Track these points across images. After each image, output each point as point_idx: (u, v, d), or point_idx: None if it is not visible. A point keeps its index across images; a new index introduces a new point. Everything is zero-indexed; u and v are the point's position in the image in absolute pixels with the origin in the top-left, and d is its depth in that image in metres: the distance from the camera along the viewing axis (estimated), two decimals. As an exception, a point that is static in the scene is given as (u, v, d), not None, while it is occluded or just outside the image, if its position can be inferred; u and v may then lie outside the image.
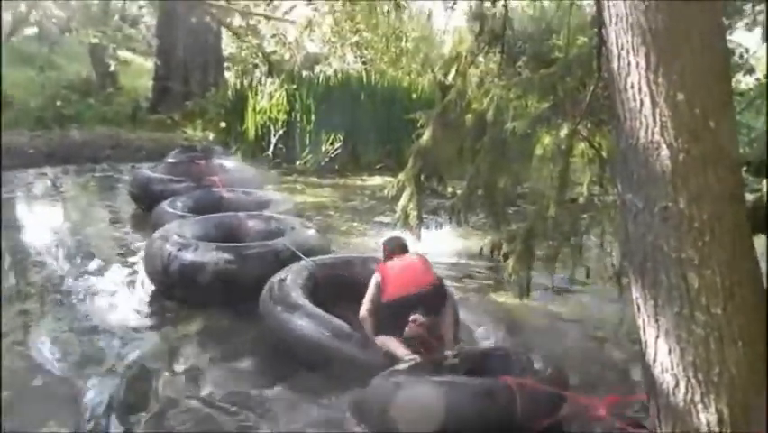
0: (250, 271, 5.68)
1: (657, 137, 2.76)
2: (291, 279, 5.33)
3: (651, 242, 2.83)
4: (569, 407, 4.01)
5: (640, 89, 2.79)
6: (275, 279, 5.34)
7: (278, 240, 6.29)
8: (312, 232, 6.89)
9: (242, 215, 7.34)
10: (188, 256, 5.91)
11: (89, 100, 17.21)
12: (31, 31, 19.91)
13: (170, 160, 10.83)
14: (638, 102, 2.80)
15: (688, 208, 2.72)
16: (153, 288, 6.32)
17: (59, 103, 16.35)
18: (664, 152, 2.74)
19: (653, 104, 2.76)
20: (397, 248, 5.16)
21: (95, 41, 16.75)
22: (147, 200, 9.16)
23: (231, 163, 11.00)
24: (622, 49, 2.85)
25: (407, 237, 5.52)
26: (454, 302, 5.15)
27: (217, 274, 5.79)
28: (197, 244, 6.11)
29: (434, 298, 4.73)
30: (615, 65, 2.91)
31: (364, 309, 4.78)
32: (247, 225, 7.12)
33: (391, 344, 4.48)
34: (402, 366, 4.20)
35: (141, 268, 7.03)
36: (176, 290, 5.97)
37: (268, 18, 19.97)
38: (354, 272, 5.48)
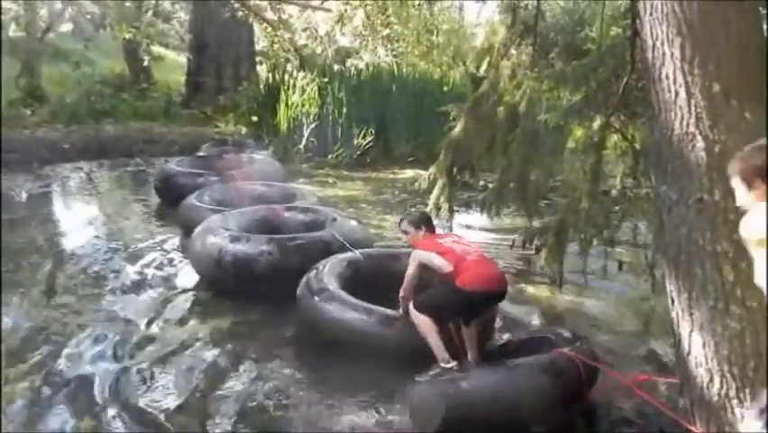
0: (302, 262, 5.68)
1: (692, 128, 2.73)
2: (328, 269, 5.37)
3: (685, 234, 2.81)
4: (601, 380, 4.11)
5: (675, 80, 2.76)
6: (312, 269, 5.39)
7: (327, 231, 6.32)
8: (354, 223, 6.93)
9: (280, 207, 7.37)
10: (241, 248, 5.95)
11: (123, 95, 17.38)
12: (66, 27, 20.18)
13: (199, 153, 10.90)
14: (673, 93, 2.77)
15: (723, 201, 2.69)
16: (186, 281, 6.41)
17: (93, 98, 16.54)
18: (699, 143, 2.72)
19: (689, 95, 2.73)
20: (427, 221, 4.86)
21: (128, 36, 16.92)
22: (170, 194, 9.23)
23: (258, 157, 11.03)
24: (657, 39, 2.82)
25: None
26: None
27: (270, 266, 5.84)
28: (249, 236, 6.16)
29: (498, 302, 4.64)
30: (649, 56, 2.88)
31: (408, 288, 4.60)
32: (287, 217, 7.16)
33: (432, 335, 4.28)
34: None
35: (174, 261, 7.14)
36: (228, 283, 6.00)
37: (303, 7, 19.98)
38: (401, 266, 5.39)
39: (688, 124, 2.74)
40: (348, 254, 5.75)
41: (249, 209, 7.22)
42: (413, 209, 5.45)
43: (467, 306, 4.37)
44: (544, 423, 3.91)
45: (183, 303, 6.00)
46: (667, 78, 2.79)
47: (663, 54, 2.79)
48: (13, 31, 17.26)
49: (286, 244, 6.01)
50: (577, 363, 3.87)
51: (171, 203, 8.91)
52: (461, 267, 4.35)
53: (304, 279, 5.29)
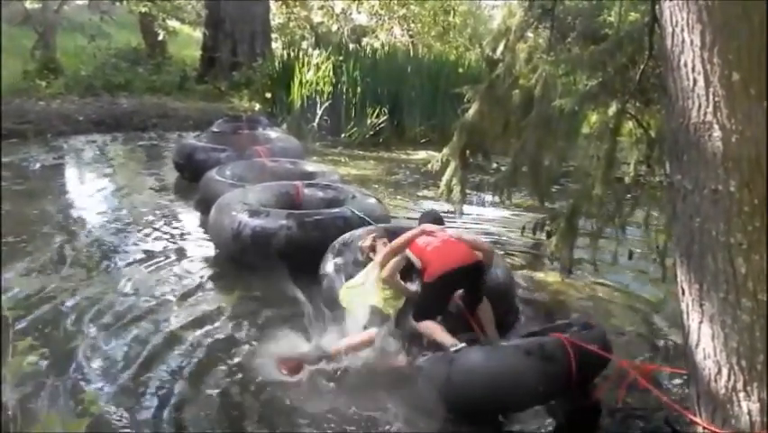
0: (321, 239, 5.77)
1: (710, 117, 2.69)
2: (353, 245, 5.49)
3: (699, 225, 2.78)
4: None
5: (694, 68, 2.72)
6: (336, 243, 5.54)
7: (346, 207, 6.40)
8: (374, 200, 6.99)
9: (299, 183, 7.40)
10: (260, 223, 6.01)
11: (138, 69, 17.40)
12: (82, 0, 20.17)
13: (214, 129, 10.91)
14: (691, 81, 2.73)
15: (738, 192, 2.66)
16: (199, 254, 6.45)
17: (108, 71, 16.58)
18: (716, 133, 2.68)
19: (707, 83, 2.69)
20: (430, 222, 5.05)
21: (144, 10, 16.92)
22: (190, 169, 9.26)
23: (274, 134, 11.03)
24: (676, 26, 2.77)
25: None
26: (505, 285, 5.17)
27: (289, 241, 5.90)
28: (268, 211, 6.23)
29: (476, 275, 4.65)
30: (668, 42, 2.84)
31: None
32: (306, 194, 7.20)
33: (436, 332, 4.35)
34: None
35: (186, 235, 7.16)
36: (245, 257, 6.07)
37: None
38: None
39: (705, 113, 2.70)
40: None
41: (269, 185, 7.26)
42: (429, 210, 5.59)
43: (441, 292, 4.53)
44: (523, 405, 3.97)
45: (193, 276, 6.02)
46: (686, 65, 2.75)
47: (683, 41, 2.75)
48: (29, 2, 17.25)
49: (305, 220, 6.05)
50: (567, 347, 3.85)
51: (191, 178, 8.95)
52: (425, 260, 4.60)
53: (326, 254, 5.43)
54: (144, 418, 3.90)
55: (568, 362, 3.83)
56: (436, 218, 5.14)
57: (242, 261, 6.09)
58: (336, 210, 6.37)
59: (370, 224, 5.96)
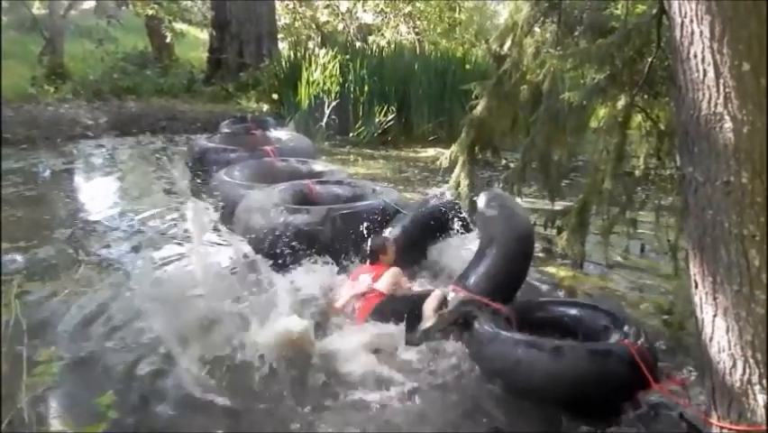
0: (361, 231, 5.85)
1: (720, 108, 2.67)
2: None
3: (711, 217, 2.76)
4: None
5: (703, 59, 2.70)
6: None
7: (381, 199, 6.48)
8: (396, 193, 7.05)
9: (314, 181, 7.42)
10: (304, 220, 6.05)
11: (146, 72, 17.43)
12: (89, 4, 20.24)
13: (225, 130, 10.93)
14: (701, 72, 2.72)
15: (751, 183, 2.65)
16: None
17: (116, 75, 16.61)
18: (727, 124, 2.66)
19: (717, 74, 2.67)
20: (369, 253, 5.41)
21: (151, 13, 16.95)
22: (203, 170, 9.30)
23: (284, 134, 11.05)
24: (685, 17, 2.76)
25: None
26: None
27: (332, 235, 5.94)
28: (308, 208, 6.27)
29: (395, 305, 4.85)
30: (677, 34, 2.82)
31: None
32: (321, 192, 7.21)
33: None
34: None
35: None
36: (288, 256, 5.93)
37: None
38: None
39: (716, 104, 2.69)
40: None
41: (285, 185, 7.24)
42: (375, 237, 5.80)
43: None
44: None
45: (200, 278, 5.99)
46: (695, 56, 2.73)
47: (692, 33, 2.73)
48: (36, 8, 17.33)
49: (346, 213, 6.12)
50: (635, 355, 3.84)
51: (204, 178, 8.99)
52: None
53: None
54: (146, 419, 3.91)
55: (635, 366, 3.82)
56: (377, 247, 5.43)
57: (282, 258, 5.97)
58: (373, 202, 6.43)
59: (401, 212, 6.16)
